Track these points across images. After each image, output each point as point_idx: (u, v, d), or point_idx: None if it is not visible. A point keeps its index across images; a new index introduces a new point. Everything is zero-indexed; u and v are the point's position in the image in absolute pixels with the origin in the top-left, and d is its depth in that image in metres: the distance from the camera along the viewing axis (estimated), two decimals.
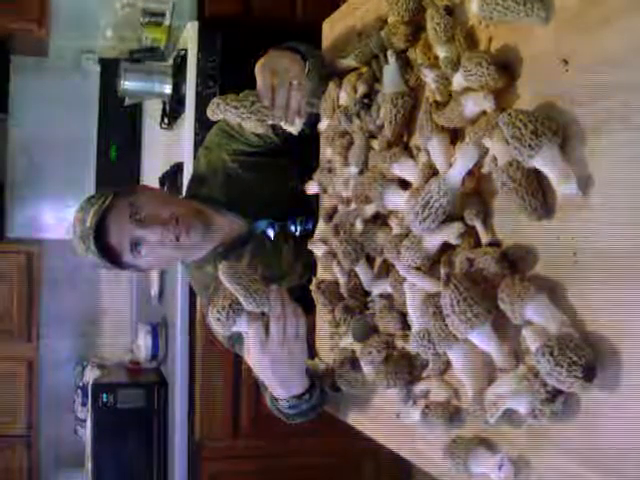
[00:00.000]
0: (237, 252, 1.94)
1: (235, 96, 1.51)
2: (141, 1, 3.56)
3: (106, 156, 3.84)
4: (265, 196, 1.99)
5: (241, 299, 1.35)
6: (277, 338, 1.40)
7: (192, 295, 2.97)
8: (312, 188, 1.67)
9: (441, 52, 1.23)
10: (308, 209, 1.83)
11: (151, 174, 3.70)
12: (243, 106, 1.49)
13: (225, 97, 1.51)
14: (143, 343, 3.45)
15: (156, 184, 3.48)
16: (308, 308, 1.58)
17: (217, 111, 1.50)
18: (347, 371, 1.47)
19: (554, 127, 0.95)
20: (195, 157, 2.92)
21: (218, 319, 1.35)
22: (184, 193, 2.23)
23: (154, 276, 3.47)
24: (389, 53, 1.38)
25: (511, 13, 1.04)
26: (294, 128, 1.59)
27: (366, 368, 1.40)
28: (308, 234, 1.80)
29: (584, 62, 0.96)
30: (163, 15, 3.56)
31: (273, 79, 1.51)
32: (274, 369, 1.45)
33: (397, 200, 1.29)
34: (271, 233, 1.97)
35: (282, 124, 1.58)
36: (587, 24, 0.96)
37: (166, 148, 3.55)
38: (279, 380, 1.48)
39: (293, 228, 1.99)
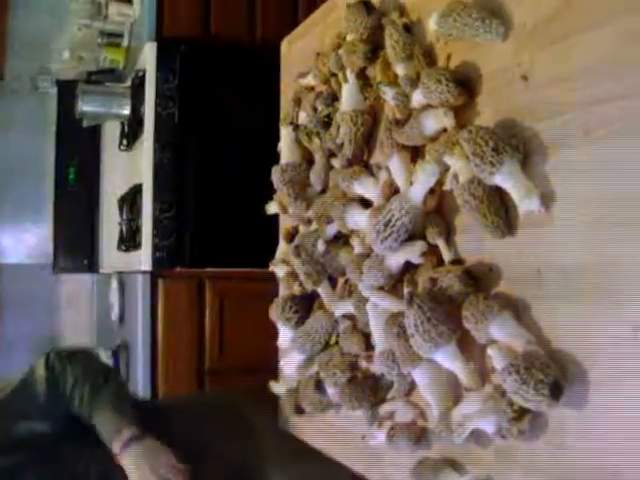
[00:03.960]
0: None
1: None
2: (98, 22, 3.53)
3: (65, 178, 3.78)
4: None
5: None
6: None
7: (153, 317, 2.94)
8: (272, 208, 1.66)
9: (400, 70, 1.22)
10: None
11: (110, 196, 3.66)
12: None
13: None
14: None
15: (115, 206, 3.44)
16: None
17: None
18: (311, 393, 1.45)
19: (515, 143, 0.95)
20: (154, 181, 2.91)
21: None
22: None
23: (114, 300, 3.42)
24: (348, 71, 1.37)
25: (470, 30, 1.04)
26: None
27: (330, 390, 1.38)
28: None
29: (543, 78, 0.96)
30: (121, 36, 3.53)
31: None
32: None
33: (358, 219, 1.28)
34: None
35: None
36: (546, 41, 0.96)
37: (125, 169, 3.51)
38: None
39: None
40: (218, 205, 3.01)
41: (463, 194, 1.00)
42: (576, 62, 0.90)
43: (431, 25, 1.12)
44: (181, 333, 2.98)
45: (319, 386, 1.43)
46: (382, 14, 1.33)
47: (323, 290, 1.45)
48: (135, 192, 3.14)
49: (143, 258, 2.92)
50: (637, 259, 0.81)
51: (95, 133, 3.85)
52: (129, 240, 3.20)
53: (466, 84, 1.09)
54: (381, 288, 1.20)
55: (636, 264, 0.81)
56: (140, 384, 2.96)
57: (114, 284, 3.42)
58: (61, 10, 3.65)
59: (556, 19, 0.94)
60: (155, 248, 2.91)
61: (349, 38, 1.39)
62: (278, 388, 1.63)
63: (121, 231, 3.33)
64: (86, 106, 3.24)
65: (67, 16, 3.63)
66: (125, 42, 3.55)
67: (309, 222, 1.53)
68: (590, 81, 0.88)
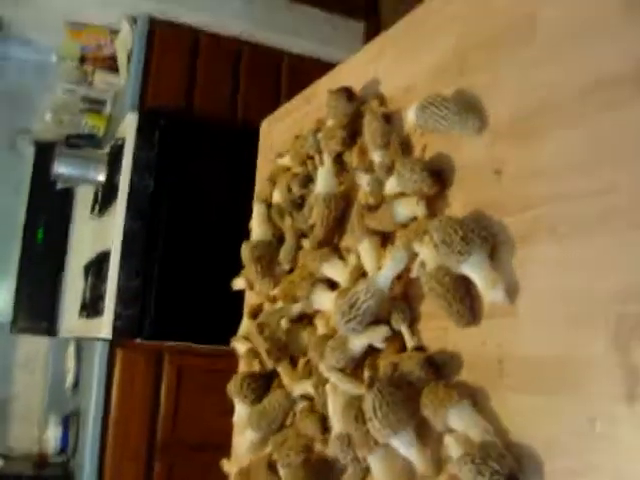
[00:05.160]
0: None
1: None
2: (83, 88, 3.57)
3: (32, 238, 3.76)
4: None
5: None
6: None
7: (108, 387, 2.89)
8: (239, 284, 1.66)
9: (376, 157, 1.25)
10: None
11: (77, 260, 3.64)
12: None
13: None
14: (52, 435, 3.30)
15: (81, 270, 3.42)
16: None
17: None
18: (263, 473, 1.42)
19: (484, 235, 0.97)
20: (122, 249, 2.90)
21: None
22: None
23: (70, 365, 3.36)
24: (325, 155, 1.40)
25: (446, 123, 1.07)
26: None
27: (283, 471, 1.36)
28: None
29: (514, 173, 0.99)
30: (104, 103, 3.58)
31: None
32: None
33: (324, 300, 1.28)
34: None
35: None
36: (519, 137, 0.99)
37: (94, 236, 3.50)
38: None
39: None
40: (185, 278, 3.00)
41: (430, 281, 1.01)
42: (547, 159, 0.93)
43: (409, 116, 1.15)
44: (135, 405, 2.93)
45: (271, 467, 1.41)
46: (362, 102, 1.37)
47: (283, 369, 1.44)
48: (102, 259, 3.12)
49: (104, 326, 2.88)
50: (594, 353, 0.82)
51: (68, 196, 3.85)
52: (91, 306, 3.17)
53: (440, 175, 1.11)
54: (342, 370, 1.19)
55: (593, 357, 0.82)
56: (87, 453, 2.89)
57: (71, 349, 3.37)
58: (48, 71, 3.69)
59: (531, 117, 0.97)
60: (117, 317, 2.88)
61: (329, 123, 1.42)
62: (229, 467, 1.60)
63: (84, 296, 3.29)
64: (62, 168, 3.25)
65: (53, 78, 3.66)
66: (107, 110, 3.59)
67: (274, 300, 1.53)
68: (559, 178, 0.91)
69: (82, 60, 3.57)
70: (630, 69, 0.83)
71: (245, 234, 1.67)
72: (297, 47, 3.62)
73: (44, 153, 3.63)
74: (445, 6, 1.24)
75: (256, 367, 1.50)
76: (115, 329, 2.88)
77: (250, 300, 1.71)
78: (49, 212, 3.81)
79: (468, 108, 1.07)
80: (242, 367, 1.63)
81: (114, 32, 3.49)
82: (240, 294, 1.75)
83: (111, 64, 3.53)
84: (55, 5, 3.42)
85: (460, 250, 0.94)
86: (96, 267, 3.23)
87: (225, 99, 3.36)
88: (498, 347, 0.96)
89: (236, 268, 1.65)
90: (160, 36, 3.33)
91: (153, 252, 2.98)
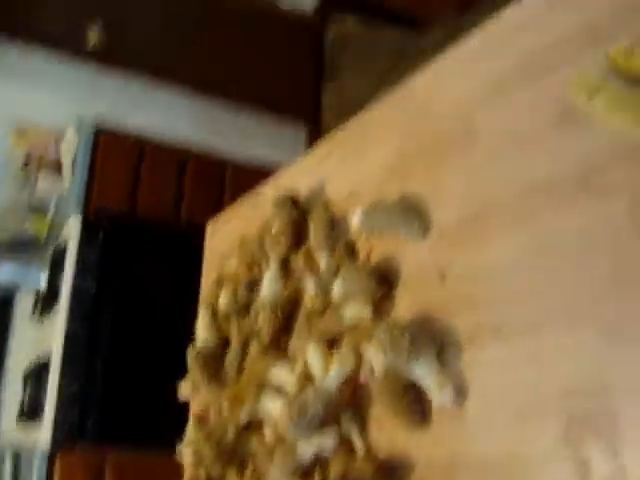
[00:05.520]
0: None
1: None
2: (26, 190, 3.54)
3: None
4: None
5: None
6: None
7: None
8: (184, 389, 1.63)
9: (322, 261, 1.26)
10: None
11: (16, 365, 3.54)
12: None
13: None
14: None
15: (19, 376, 3.32)
16: None
17: None
18: None
19: (430, 337, 0.97)
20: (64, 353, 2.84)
21: None
22: None
23: (7, 475, 3.23)
24: (271, 259, 1.40)
25: (391, 227, 1.09)
26: None
27: None
28: None
29: (459, 274, 1.01)
30: (47, 207, 3.55)
31: None
32: None
33: (272, 406, 1.27)
34: None
35: None
36: (463, 240, 1.01)
37: (34, 342, 3.42)
38: None
39: None
40: (128, 383, 2.94)
41: (378, 385, 1.01)
42: (491, 262, 0.95)
43: (354, 220, 1.17)
44: None
45: None
46: (307, 207, 1.39)
47: (229, 477, 1.40)
48: (42, 364, 3.05)
49: (42, 433, 2.79)
50: (544, 448, 0.82)
51: (8, 300, 3.78)
52: (30, 413, 3.07)
53: (385, 278, 1.13)
54: (291, 477, 1.17)
55: (543, 453, 0.82)
56: None
57: (7, 457, 3.24)
58: None
59: (474, 219, 1.00)
60: (56, 423, 2.79)
61: (274, 228, 1.43)
62: None
63: (22, 402, 3.19)
64: (2, 274, 3.20)
65: None
66: (50, 213, 3.57)
67: (221, 406, 1.50)
68: (503, 280, 0.93)
69: (26, 163, 3.56)
70: (566, 173, 0.87)
71: (191, 337, 1.65)
72: (240, 152, 3.68)
73: None
74: (386, 113, 1.28)
75: (201, 475, 1.46)
76: (55, 436, 2.78)
77: (196, 405, 1.67)
78: None
79: (412, 212, 1.09)
80: (187, 475, 1.58)
81: (59, 136, 3.50)
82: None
83: (55, 167, 3.53)
84: (0, 108, 3.44)
85: (408, 353, 0.95)
86: (36, 371, 3.15)
87: (169, 203, 3.37)
88: (449, 449, 0.96)
89: (181, 371, 1.62)
90: (105, 140, 3.36)
91: (96, 356, 2.92)
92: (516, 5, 1.03)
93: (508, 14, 1.04)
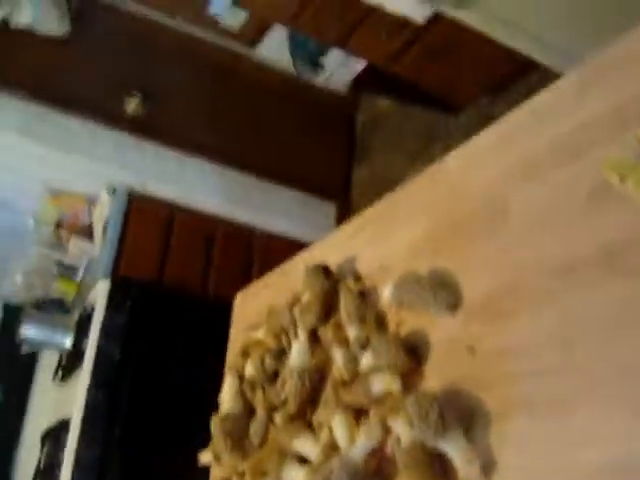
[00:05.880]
0: None
1: None
2: (57, 253, 3.60)
3: None
4: None
5: None
6: None
7: None
8: (206, 457, 1.63)
9: (352, 332, 1.27)
10: None
11: (34, 425, 3.54)
12: None
13: None
14: None
15: (38, 438, 3.31)
16: None
17: None
18: None
19: (459, 410, 0.98)
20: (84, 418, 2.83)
21: None
22: None
23: None
24: (300, 329, 1.42)
25: (421, 301, 1.11)
26: None
27: None
28: None
29: (489, 349, 1.02)
30: (76, 270, 3.61)
31: None
32: None
33: (295, 476, 1.26)
34: None
35: None
36: (493, 315, 1.03)
37: (55, 402, 3.42)
38: None
39: None
40: (147, 450, 2.92)
41: (404, 457, 1.01)
42: (521, 337, 0.96)
43: (385, 293, 1.19)
44: None
45: None
46: (338, 279, 1.41)
47: None
48: (61, 426, 3.05)
49: None
50: None
51: (32, 359, 3.81)
52: (46, 474, 3.05)
53: (414, 351, 1.14)
54: None
55: None
56: None
57: None
58: (23, 234, 3.73)
59: (503, 296, 1.02)
60: None
61: (305, 298, 1.45)
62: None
63: (38, 465, 3.18)
64: (28, 332, 3.23)
65: (28, 241, 3.70)
66: (79, 276, 3.61)
67: (242, 475, 1.49)
68: (534, 356, 0.93)
69: (58, 225, 3.63)
70: (594, 253, 0.89)
71: (213, 408, 1.65)
72: (270, 225, 3.73)
73: (11, 315, 3.62)
74: (417, 192, 1.32)
75: None
76: None
77: (216, 473, 1.67)
78: (11, 372, 3.75)
79: (442, 286, 1.11)
80: None
81: (92, 201, 3.58)
82: (206, 467, 1.71)
83: (87, 232, 3.59)
84: (36, 171, 3.52)
85: (436, 426, 0.95)
86: (54, 437, 3.14)
87: (197, 273, 3.42)
88: None
89: (202, 442, 1.62)
90: (137, 208, 3.43)
91: (115, 422, 2.91)
92: (547, 89, 1.07)
93: (539, 98, 1.08)
